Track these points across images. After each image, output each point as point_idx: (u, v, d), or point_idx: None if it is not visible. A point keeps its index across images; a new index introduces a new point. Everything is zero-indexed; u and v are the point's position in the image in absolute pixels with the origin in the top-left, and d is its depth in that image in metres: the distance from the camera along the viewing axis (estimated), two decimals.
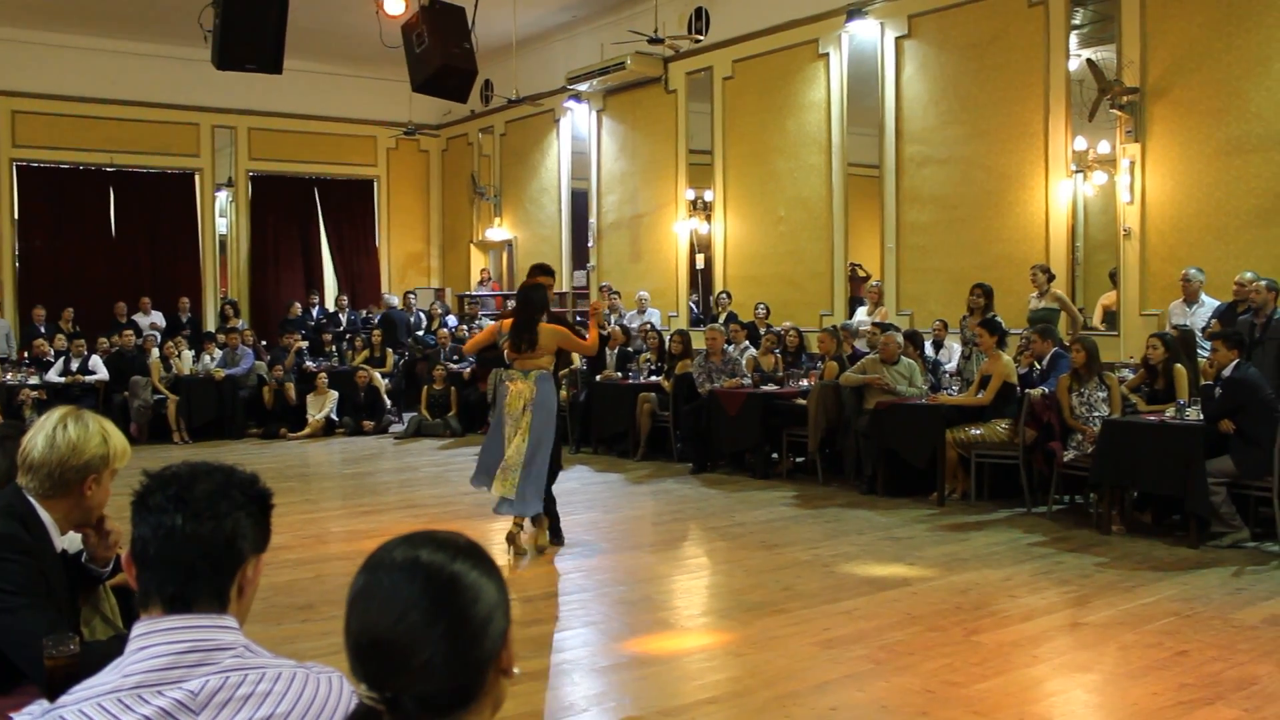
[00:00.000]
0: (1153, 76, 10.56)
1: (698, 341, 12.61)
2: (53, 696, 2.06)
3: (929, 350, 11.49)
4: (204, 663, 1.70)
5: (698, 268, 15.71)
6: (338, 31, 16.30)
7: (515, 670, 1.48)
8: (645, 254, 16.51)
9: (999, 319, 9.88)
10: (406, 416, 15.40)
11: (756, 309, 13.75)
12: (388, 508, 9.73)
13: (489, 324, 8.37)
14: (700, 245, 15.64)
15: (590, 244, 17.51)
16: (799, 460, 11.11)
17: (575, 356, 13.47)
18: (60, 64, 17.22)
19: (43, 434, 2.75)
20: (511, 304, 8.55)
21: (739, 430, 10.86)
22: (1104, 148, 11.07)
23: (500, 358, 7.97)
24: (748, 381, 11.27)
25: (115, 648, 2.29)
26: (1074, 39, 11.34)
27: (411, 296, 18.37)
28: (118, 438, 2.85)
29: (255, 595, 1.89)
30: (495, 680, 1.46)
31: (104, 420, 2.87)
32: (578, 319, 13.87)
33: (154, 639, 1.70)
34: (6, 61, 16.82)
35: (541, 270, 8.26)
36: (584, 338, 8.22)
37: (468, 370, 15.11)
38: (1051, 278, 10.71)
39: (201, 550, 1.75)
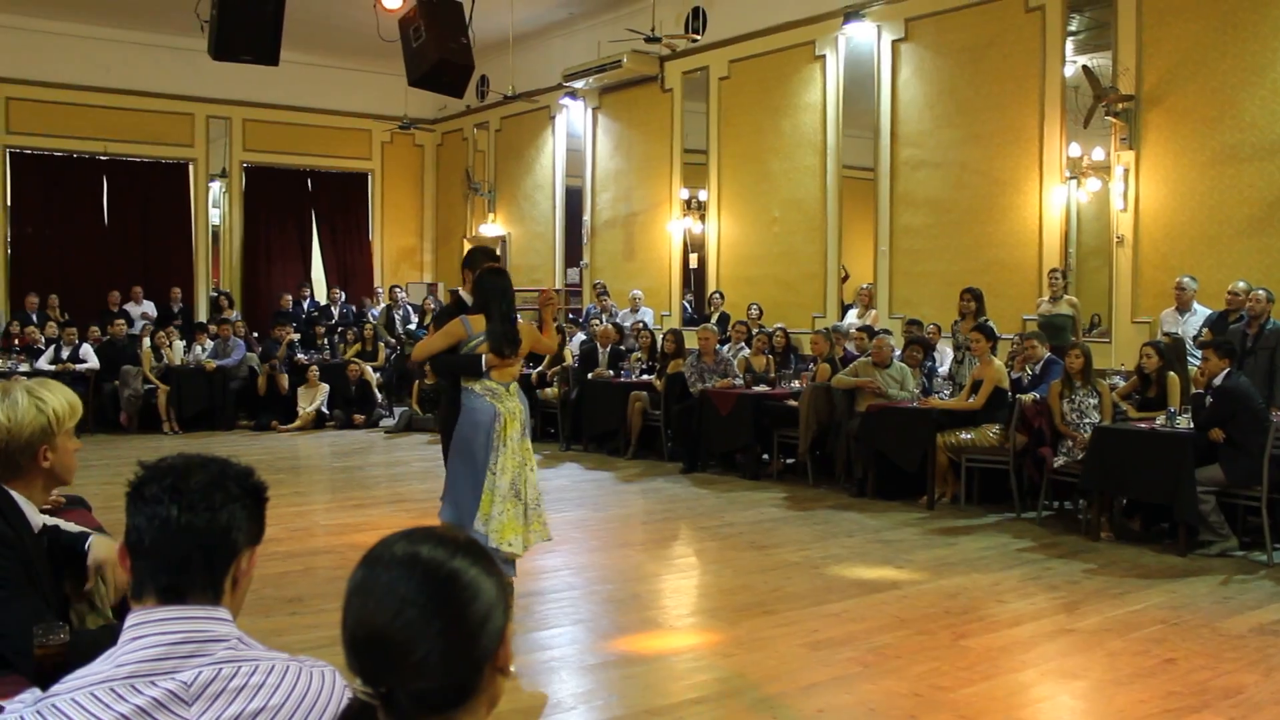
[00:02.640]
0: (1148, 84, 10.59)
1: (690, 341, 12.61)
2: (43, 685, 2.05)
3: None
4: (197, 654, 1.69)
5: (691, 267, 15.72)
6: (335, 24, 16.27)
7: (512, 669, 1.48)
8: (639, 252, 16.51)
9: (992, 324, 9.89)
10: (397, 411, 15.38)
11: (749, 309, 13.74)
12: (377, 502, 9.72)
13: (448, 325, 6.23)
14: (694, 245, 15.64)
15: (584, 242, 17.51)
16: (790, 462, 11.10)
17: (567, 353, 13.52)
18: (56, 51, 17.17)
19: None
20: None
21: (730, 430, 10.85)
22: (1098, 154, 11.10)
23: (453, 364, 6.25)
24: (739, 382, 11.27)
25: (105, 637, 2.28)
26: (1070, 45, 11.36)
27: (400, 291, 18.32)
28: (56, 399, 2.76)
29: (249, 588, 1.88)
30: (492, 678, 1.45)
31: (37, 386, 2.78)
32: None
33: (148, 629, 1.70)
34: (2, 48, 16.77)
35: (490, 255, 6.78)
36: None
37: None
38: (1068, 283, 10.74)
39: (196, 541, 1.75)
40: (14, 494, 2.73)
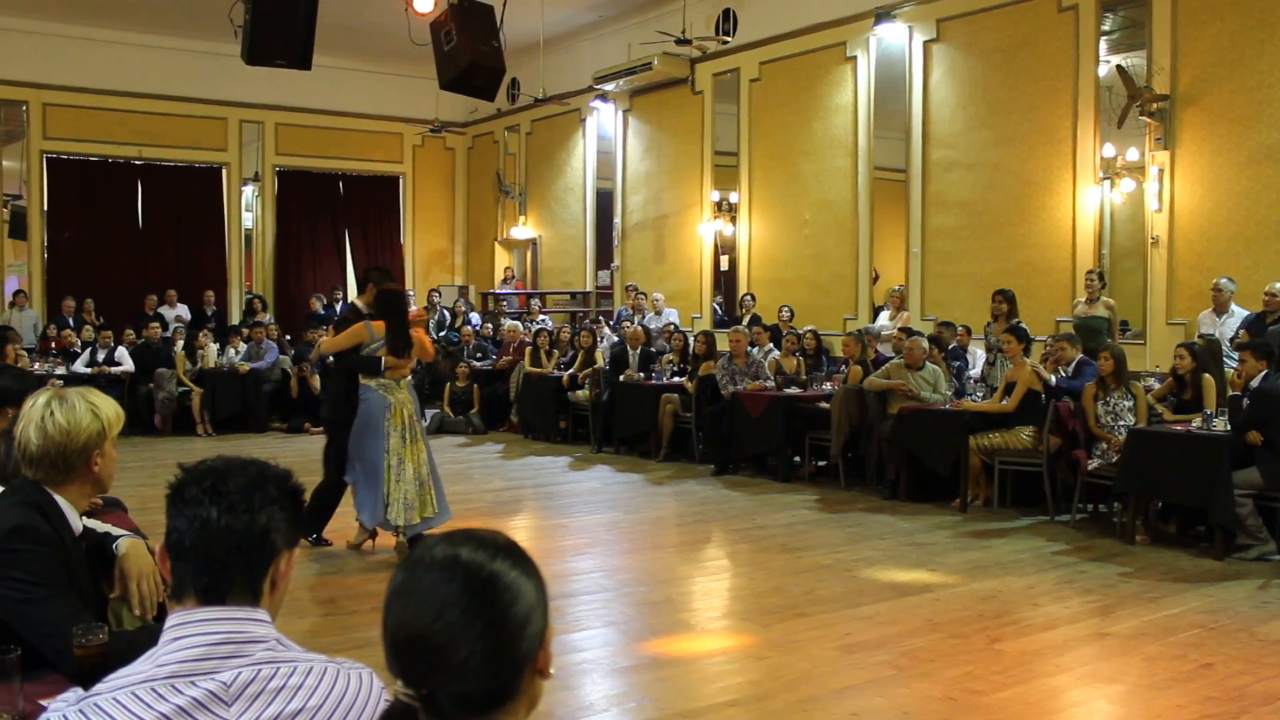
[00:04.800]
0: (1183, 83, 10.49)
1: (721, 343, 12.59)
2: (83, 685, 2.07)
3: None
4: (237, 654, 1.71)
5: (722, 269, 15.70)
6: (366, 28, 16.34)
7: (551, 671, 1.48)
8: (669, 255, 16.50)
9: (1025, 325, 9.83)
10: (429, 413, 15.40)
11: (780, 311, 13.72)
12: None
13: (356, 326, 7.62)
14: (725, 247, 15.62)
15: (615, 244, 17.51)
16: (821, 464, 11.07)
17: (599, 355, 13.56)
18: (90, 57, 17.34)
19: (33, 425, 2.73)
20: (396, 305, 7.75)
21: (761, 432, 10.83)
22: (1133, 155, 11.00)
23: (356, 362, 7.55)
24: (771, 384, 11.25)
25: (142, 638, 2.30)
26: (1104, 45, 11.27)
27: (436, 295, 18.38)
28: (107, 406, 2.83)
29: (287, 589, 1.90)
30: (531, 680, 1.46)
31: (88, 393, 2.84)
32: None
33: (188, 630, 1.72)
34: (38, 54, 16.95)
35: (388, 274, 8.21)
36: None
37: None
38: (1104, 285, 10.65)
39: (236, 543, 1.76)
40: (57, 497, 2.77)
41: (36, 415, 2.74)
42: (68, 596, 2.64)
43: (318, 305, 17.94)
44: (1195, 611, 6.19)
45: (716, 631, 6.03)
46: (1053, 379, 9.16)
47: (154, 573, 2.94)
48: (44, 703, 2.15)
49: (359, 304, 7.93)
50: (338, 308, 18.28)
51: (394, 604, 1.45)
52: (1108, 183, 11.17)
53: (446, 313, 18.12)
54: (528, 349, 14.67)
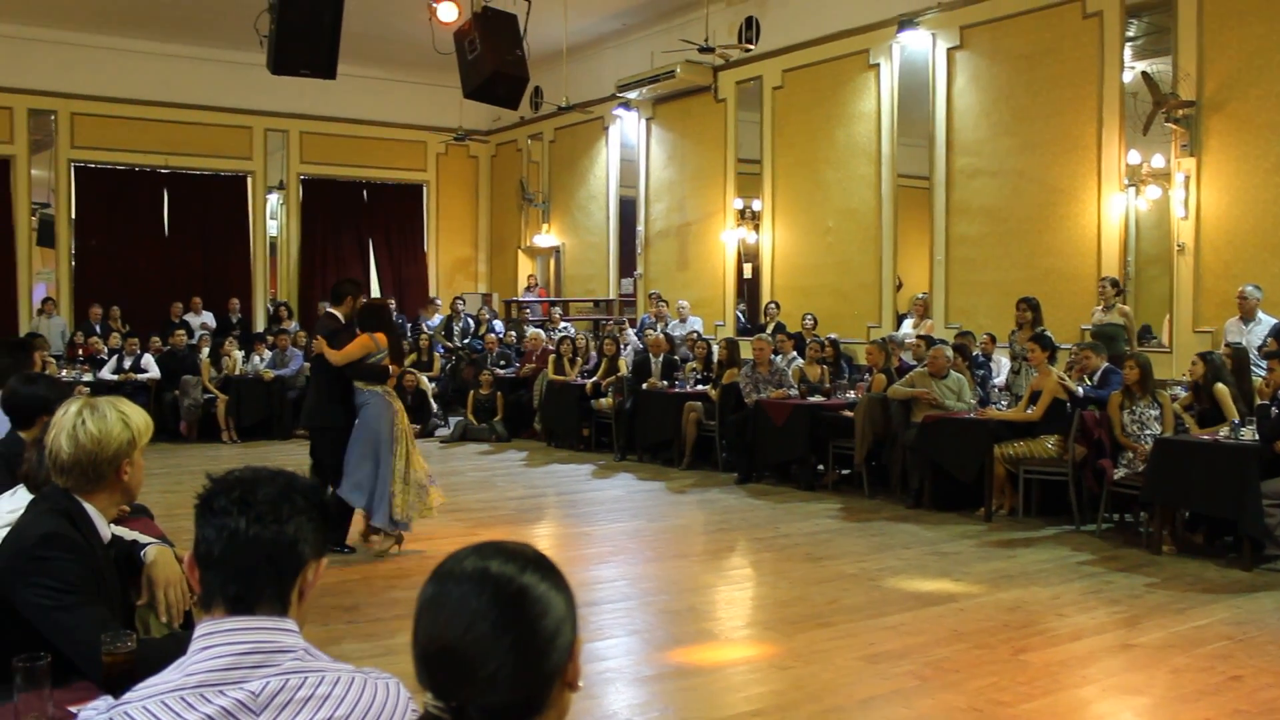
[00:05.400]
0: (1209, 90, 10.43)
1: (745, 351, 12.57)
2: (111, 692, 2.08)
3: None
4: (265, 664, 1.72)
5: (745, 277, 15.69)
6: (391, 37, 16.44)
7: (580, 684, 1.49)
8: (693, 262, 16.51)
9: (1049, 333, 9.77)
10: (453, 420, 15.45)
11: (804, 319, 13.69)
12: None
13: (359, 337, 7.86)
14: (748, 255, 15.62)
15: (638, 252, 17.52)
16: (845, 472, 11.02)
17: (622, 363, 13.58)
18: (118, 67, 17.49)
19: (64, 434, 2.75)
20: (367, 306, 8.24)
21: (785, 441, 10.80)
22: (1158, 161, 10.95)
23: (365, 370, 7.77)
24: (794, 392, 11.22)
25: (171, 645, 2.32)
26: (1129, 51, 11.23)
27: (460, 303, 18.42)
28: (136, 416, 2.85)
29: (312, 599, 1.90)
30: (560, 692, 1.46)
31: (118, 402, 2.86)
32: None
33: (217, 639, 1.73)
34: (65, 64, 17.11)
35: (361, 287, 8.39)
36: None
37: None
38: (1119, 292, 10.59)
39: (264, 553, 1.78)
40: (86, 505, 2.79)
41: (68, 424, 2.77)
42: (97, 604, 2.66)
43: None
44: (1223, 623, 6.13)
45: (740, 641, 6.01)
46: (1079, 389, 9.09)
47: (181, 580, 2.96)
48: (73, 710, 2.16)
49: (337, 314, 8.09)
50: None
51: (424, 617, 1.45)
52: (1133, 190, 11.13)
53: (470, 320, 18.14)
54: (551, 357, 14.68)
